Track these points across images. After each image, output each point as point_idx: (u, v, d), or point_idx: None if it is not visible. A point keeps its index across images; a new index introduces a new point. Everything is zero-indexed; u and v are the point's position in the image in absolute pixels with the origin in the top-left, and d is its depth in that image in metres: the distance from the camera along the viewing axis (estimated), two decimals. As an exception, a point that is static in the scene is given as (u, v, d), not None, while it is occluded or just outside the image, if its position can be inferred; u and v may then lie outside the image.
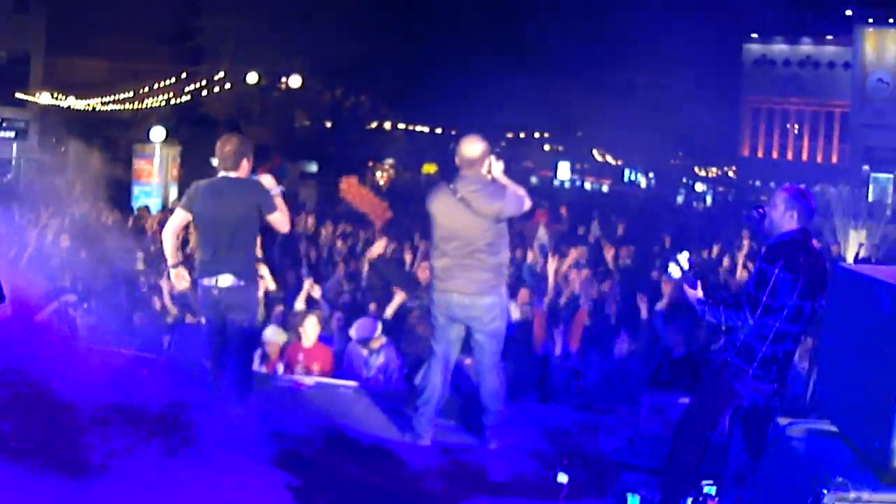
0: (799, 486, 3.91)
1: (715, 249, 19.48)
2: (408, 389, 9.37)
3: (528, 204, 7.95)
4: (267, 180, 8.09)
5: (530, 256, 14.95)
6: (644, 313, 12.15)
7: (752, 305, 6.28)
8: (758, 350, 6.33)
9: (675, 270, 6.89)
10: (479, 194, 7.70)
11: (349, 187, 17.03)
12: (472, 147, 7.83)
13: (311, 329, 10.43)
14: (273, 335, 10.75)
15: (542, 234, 16.93)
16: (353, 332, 10.47)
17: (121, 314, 12.19)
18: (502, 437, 7.95)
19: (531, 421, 8.71)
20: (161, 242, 8.89)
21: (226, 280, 7.87)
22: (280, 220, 8.06)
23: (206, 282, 7.98)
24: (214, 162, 8.23)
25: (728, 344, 6.53)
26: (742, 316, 6.32)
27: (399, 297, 12.50)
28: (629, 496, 6.83)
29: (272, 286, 11.97)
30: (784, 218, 6.43)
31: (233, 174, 8.02)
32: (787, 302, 6.23)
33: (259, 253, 8.65)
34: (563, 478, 6.89)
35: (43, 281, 13.01)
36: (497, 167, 7.96)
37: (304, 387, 9.52)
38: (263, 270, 11.92)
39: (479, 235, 7.71)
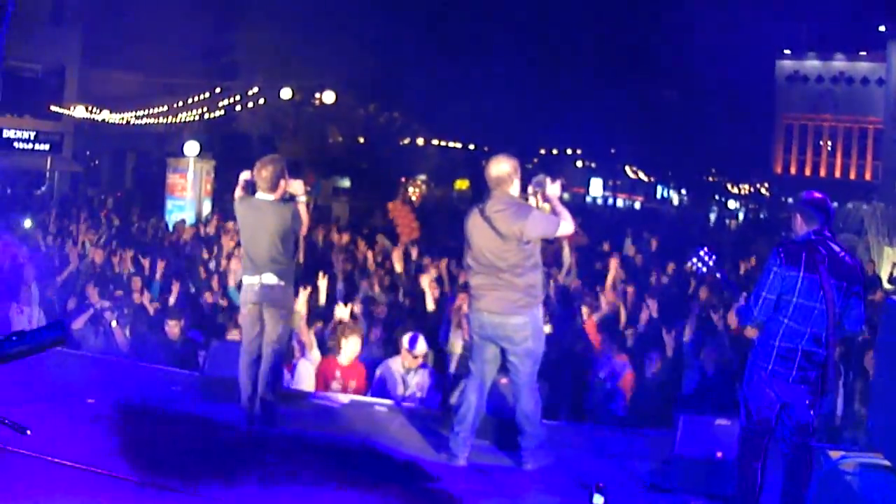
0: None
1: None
2: (444, 409, 9.34)
3: (565, 229, 7.88)
4: (297, 186, 8.76)
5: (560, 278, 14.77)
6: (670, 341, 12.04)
7: (754, 299, 6.57)
8: (771, 346, 6.50)
9: (699, 265, 7.08)
10: (502, 214, 7.70)
11: (395, 207, 17.52)
12: (498, 166, 7.86)
13: (351, 347, 10.37)
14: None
15: (567, 255, 16.39)
16: (403, 340, 10.42)
17: (156, 327, 12.26)
18: (538, 458, 7.92)
19: (567, 442, 8.67)
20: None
21: (269, 279, 8.50)
22: (303, 227, 8.89)
23: (248, 280, 8.64)
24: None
25: (751, 353, 6.76)
26: (748, 309, 6.64)
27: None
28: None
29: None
30: (797, 224, 6.69)
31: (270, 196, 8.58)
32: (790, 298, 6.41)
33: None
34: (598, 500, 6.85)
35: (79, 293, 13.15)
36: (553, 188, 7.99)
37: (340, 404, 9.52)
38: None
39: (504, 256, 7.70)
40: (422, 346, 10.25)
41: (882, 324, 5.30)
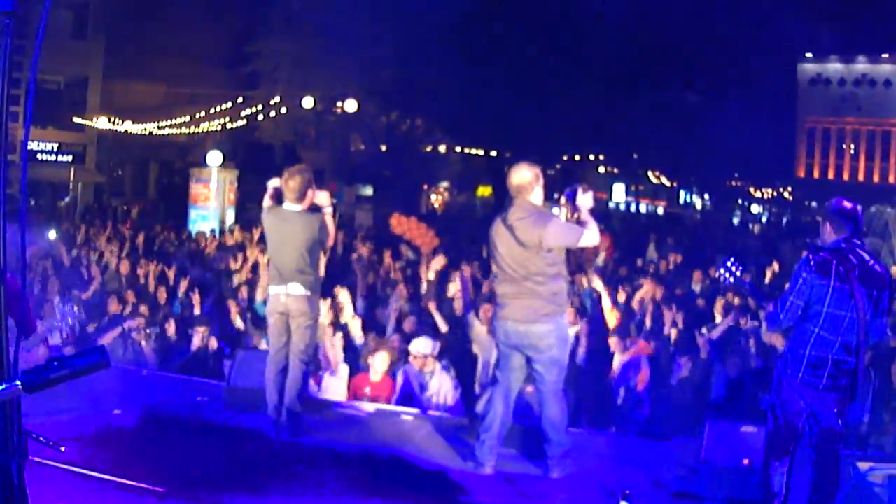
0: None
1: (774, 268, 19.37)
2: (469, 417, 9.33)
3: (588, 239, 7.79)
4: (323, 197, 8.83)
5: (585, 282, 14.72)
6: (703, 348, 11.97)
7: (781, 303, 6.53)
8: (801, 355, 6.45)
9: (727, 276, 7.07)
10: (523, 223, 7.67)
11: (398, 223, 17.54)
12: (520, 174, 7.84)
13: (380, 364, 10.37)
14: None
15: (601, 261, 16.55)
16: (411, 347, 10.44)
17: (182, 339, 12.31)
18: (564, 467, 7.89)
19: (593, 449, 8.64)
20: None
21: (295, 289, 8.51)
22: (330, 239, 9.00)
23: (275, 290, 8.66)
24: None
25: (780, 361, 6.74)
26: (775, 313, 6.60)
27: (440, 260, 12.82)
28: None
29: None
30: (826, 232, 6.62)
31: (298, 207, 8.63)
32: (821, 308, 6.35)
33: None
34: (625, 507, 6.83)
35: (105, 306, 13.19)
36: (583, 198, 7.93)
37: (365, 414, 9.52)
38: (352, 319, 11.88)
39: (526, 264, 7.68)
40: (426, 345, 10.28)
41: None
